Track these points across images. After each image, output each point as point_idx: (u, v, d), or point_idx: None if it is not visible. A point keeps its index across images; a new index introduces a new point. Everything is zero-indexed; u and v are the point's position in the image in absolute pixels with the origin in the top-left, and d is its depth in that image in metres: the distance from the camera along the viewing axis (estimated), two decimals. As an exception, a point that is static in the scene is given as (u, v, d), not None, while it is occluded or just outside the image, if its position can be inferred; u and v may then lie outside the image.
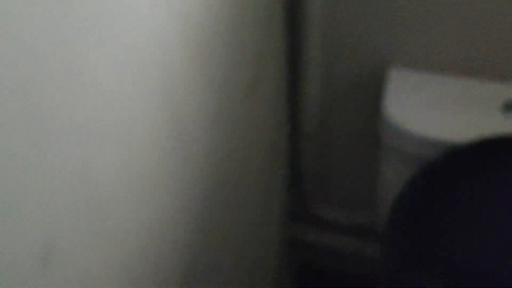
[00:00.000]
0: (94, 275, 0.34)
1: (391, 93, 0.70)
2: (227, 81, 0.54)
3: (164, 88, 0.41)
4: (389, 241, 0.67)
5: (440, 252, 0.66)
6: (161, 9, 0.38)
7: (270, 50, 0.69)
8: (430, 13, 0.68)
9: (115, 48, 0.33)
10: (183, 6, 0.41)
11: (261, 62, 0.65)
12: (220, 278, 0.63)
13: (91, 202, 0.33)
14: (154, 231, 0.43)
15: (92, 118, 0.31)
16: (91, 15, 0.29)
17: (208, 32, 0.47)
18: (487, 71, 0.70)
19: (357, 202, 0.93)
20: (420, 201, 0.64)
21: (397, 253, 0.67)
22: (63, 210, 0.30)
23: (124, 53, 0.34)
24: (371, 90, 0.74)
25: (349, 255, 0.95)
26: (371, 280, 0.96)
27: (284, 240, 1.02)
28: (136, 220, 0.39)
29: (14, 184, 0.25)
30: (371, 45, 0.73)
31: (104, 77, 0.32)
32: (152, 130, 0.40)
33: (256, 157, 0.72)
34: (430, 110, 0.67)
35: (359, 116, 0.80)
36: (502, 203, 0.63)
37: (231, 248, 0.67)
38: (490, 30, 0.67)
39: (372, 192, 0.83)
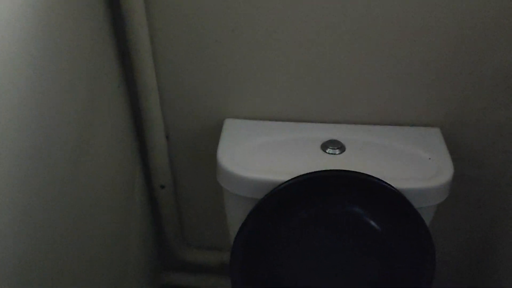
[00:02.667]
0: None
1: (224, 142, 0.76)
2: (50, 147, 0.55)
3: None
4: (231, 271, 0.73)
5: (269, 274, 0.73)
6: None
7: (104, 113, 0.71)
8: (255, 74, 0.77)
9: None
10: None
11: (91, 123, 0.68)
12: None
13: None
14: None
15: None
16: None
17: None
18: (307, 116, 0.80)
19: (220, 242, 0.98)
20: (252, 238, 0.71)
21: (238, 280, 0.74)
22: None
23: None
24: (213, 140, 0.81)
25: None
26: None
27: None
28: None
29: None
30: (209, 102, 0.80)
31: None
32: None
33: (108, 214, 0.74)
34: (259, 154, 0.75)
35: (205, 165, 0.87)
36: (320, 230, 0.71)
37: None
38: (304, 85, 0.77)
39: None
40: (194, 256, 0.98)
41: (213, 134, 0.82)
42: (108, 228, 0.75)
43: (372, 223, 0.69)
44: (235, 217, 0.76)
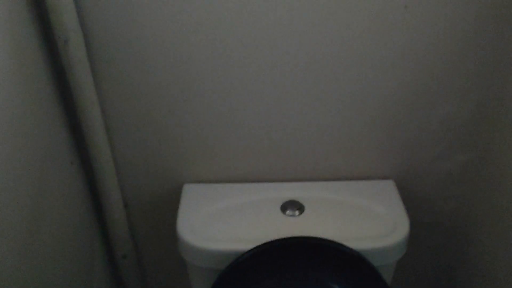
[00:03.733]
0: None
1: (183, 211, 0.76)
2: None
3: None
4: None
5: None
6: None
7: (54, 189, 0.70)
8: (210, 139, 0.77)
9: None
10: None
11: (43, 204, 0.66)
12: None
13: None
14: None
15: None
16: None
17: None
18: (265, 176, 0.81)
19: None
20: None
21: None
22: None
23: None
24: (173, 206, 0.80)
25: None
26: None
27: None
28: None
29: None
30: (167, 169, 0.80)
31: None
32: None
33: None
34: (220, 220, 0.75)
35: (167, 232, 0.86)
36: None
37: None
38: (260, 146, 0.78)
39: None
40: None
41: (173, 200, 0.81)
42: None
43: (334, 286, 0.70)
44: (200, 287, 0.76)
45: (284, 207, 0.77)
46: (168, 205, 0.83)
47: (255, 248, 0.68)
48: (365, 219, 0.75)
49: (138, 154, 0.79)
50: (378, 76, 0.71)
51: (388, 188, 0.80)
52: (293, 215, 0.75)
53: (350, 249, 0.68)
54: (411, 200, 0.83)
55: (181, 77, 0.71)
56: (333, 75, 0.71)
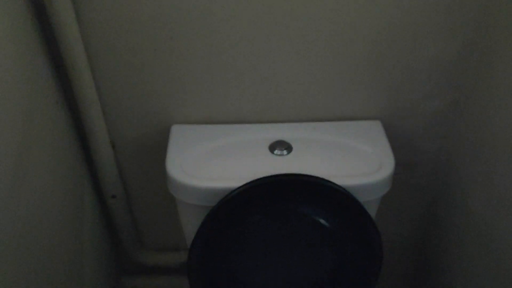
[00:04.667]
0: None
1: (172, 150, 0.76)
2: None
3: None
4: (189, 275, 0.75)
5: (227, 273, 0.76)
6: None
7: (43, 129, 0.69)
8: (198, 79, 0.76)
9: None
10: None
11: (29, 142, 0.66)
12: None
13: None
14: None
15: None
16: None
17: None
18: (254, 116, 0.81)
19: (178, 243, 0.99)
20: (208, 242, 0.72)
21: (196, 282, 0.77)
22: None
23: None
24: (161, 147, 0.81)
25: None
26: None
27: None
28: None
29: None
30: (154, 110, 0.79)
31: None
32: None
33: (56, 227, 0.73)
34: (209, 160, 0.75)
35: (156, 172, 0.86)
36: (273, 230, 0.73)
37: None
38: (248, 86, 0.78)
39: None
40: (153, 259, 0.98)
41: (161, 141, 0.81)
42: (58, 241, 0.73)
43: (321, 220, 0.72)
44: (190, 223, 0.77)
45: (272, 147, 0.77)
46: (156, 145, 0.83)
47: (244, 185, 0.69)
48: (352, 158, 0.76)
49: (125, 95, 0.78)
50: (365, 16, 0.70)
51: (375, 129, 0.81)
52: (281, 155, 0.76)
53: (337, 185, 0.70)
54: (397, 140, 0.84)
55: (166, 13, 0.69)
56: (320, 14, 0.70)
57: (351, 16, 0.70)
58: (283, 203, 0.71)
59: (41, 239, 0.67)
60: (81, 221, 0.82)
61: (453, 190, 0.89)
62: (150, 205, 0.93)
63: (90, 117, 0.77)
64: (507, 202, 0.71)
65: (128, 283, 1.02)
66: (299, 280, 0.79)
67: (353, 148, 0.78)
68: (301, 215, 0.72)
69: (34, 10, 0.68)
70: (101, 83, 0.76)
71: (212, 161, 0.75)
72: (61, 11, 0.67)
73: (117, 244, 0.98)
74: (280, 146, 0.77)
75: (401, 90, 0.80)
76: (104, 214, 0.91)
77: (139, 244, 0.97)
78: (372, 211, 0.77)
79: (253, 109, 0.80)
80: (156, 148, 0.83)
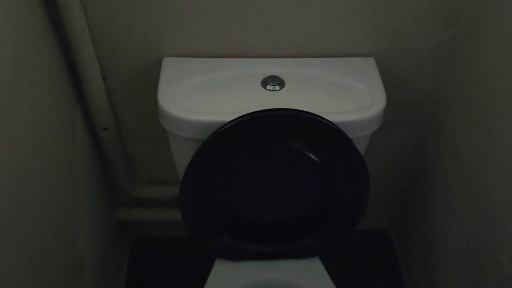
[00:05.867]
0: None
1: (163, 83, 0.76)
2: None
3: None
4: (182, 207, 0.77)
5: (219, 206, 0.79)
6: None
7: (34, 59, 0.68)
8: (191, 10, 0.74)
9: None
10: None
11: (19, 71, 0.65)
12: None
13: None
14: None
15: None
16: None
17: None
18: (247, 51, 0.80)
19: (170, 176, 1.01)
20: (200, 174, 0.74)
21: (188, 214, 0.79)
22: None
23: None
24: (152, 80, 0.80)
25: (173, 223, 1.04)
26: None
27: (115, 225, 1.06)
28: None
29: None
30: (146, 41, 0.78)
31: None
32: None
33: (48, 159, 0.74)
34: (201, 93, 0.75)
35: (148, 105, 0.86)
36: (264, 164, 0.75)
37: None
38: (242, 20, 0.76)
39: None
40: (146, 192, 1.00)
41: (152, 74, 0.80)
42: (52, 171, 0.74)
43: (311, 155, 0.73)
44: (182, 156, 0.78)
45: (265, 82, 0.77)
46: (148, 78, 0.82)
47: (236, 118, 0.69)
48: (344, 94, 0.76)
49: (115, 24, 0.76)
50: None
51: (368, 65, 0.81)
52: (273, 90, 0.76)
53: (328, 121, 0.70)
54: (390, 78, 0.84)
55: None
56: None
57: None
58: (274, 137, 0.72)
59: (35, 168, 0.68)
60: (74, 153, 0.83)
61: (443, 129, 0.90)
62: (143, 139, 0.93)
63: (79, 47, 0.75)
64: (494, 140, 0.73)
65: (121, 215, 1.05)
66: (289, 212, 0.82)
67: (346, 84, 0.78)
68: (292, 149, 0.73)
69: None
70: (91, 11, 0.74)
71: (204, 94, 0.75)
72: None
73: (110, 177, 0.99)
74: (273, 81, 0.77)
75: (396, 26, 0.78)
76: (97, 148, 0.92)
77: (131, 177, 0.99)
78: (361, 147, 0.78)
79: (246, 43, 0.79)
80: (148, 80, 0.82)
